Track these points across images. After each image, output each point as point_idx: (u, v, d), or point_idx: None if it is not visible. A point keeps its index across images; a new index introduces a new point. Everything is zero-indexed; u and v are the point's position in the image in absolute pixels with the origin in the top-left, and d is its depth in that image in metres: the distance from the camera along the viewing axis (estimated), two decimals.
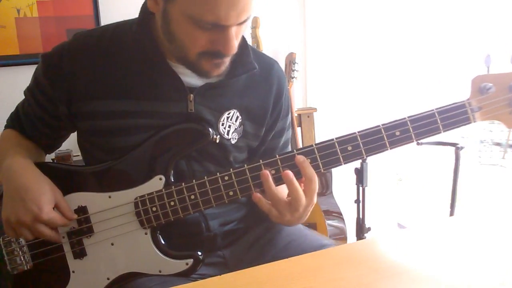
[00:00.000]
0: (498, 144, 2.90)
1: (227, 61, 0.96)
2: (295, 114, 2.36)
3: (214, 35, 0.89)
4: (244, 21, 0.90)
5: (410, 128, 0.93)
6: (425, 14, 2.54)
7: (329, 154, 0.94)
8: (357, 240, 2.03)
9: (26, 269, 1.04)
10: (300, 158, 0.93)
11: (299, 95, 2.59)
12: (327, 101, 2.57)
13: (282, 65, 2.36)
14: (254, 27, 2.32)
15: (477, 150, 2.77)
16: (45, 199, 0.97)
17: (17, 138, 1.11)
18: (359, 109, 2.54)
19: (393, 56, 2.61)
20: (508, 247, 0.83)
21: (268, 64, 1.13)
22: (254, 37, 2.33)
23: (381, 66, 2.61)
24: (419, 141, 1.91)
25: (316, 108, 2.52)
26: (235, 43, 0.91)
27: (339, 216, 2.38)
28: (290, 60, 2.32)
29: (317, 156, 0.94)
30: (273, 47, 2.46)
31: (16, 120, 1.13)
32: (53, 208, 0.99)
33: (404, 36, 2.58)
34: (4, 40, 2.08)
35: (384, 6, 2.57)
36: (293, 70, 2.31)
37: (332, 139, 0.94)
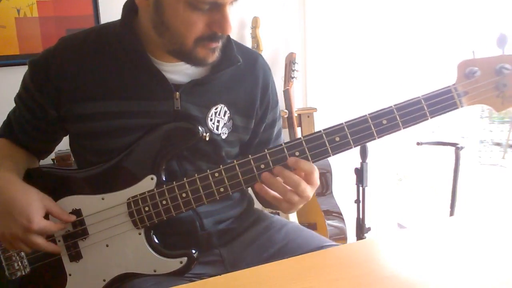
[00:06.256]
0: (498, 144, 2.89)
1: (219, 46, 0.97)
2: (295, 114, 2.35)
3: (211, 16, 0.91)
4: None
5: (397, 116, 0.93)
6: (425, 14, 2.54)
7: (317, 146, 0.94)
8: (357, 240, 2.03)
9: (24, 274, 1.04)
10: (292, 159, 0.94)
11: (299, 95, 2.59)
12: (327, 101, 2.57)
13: (282, 65, 2.36)
14: (254, 27, 2.32)
15: (477, 150, 2.76)
16: (33, 209, 0.96)
17: (6, 148, 1.10)
18: (359, 109, 2.53)
19: (393, 55, 2.61)
20: (508, 247, 0.83)
21: (252, 57, 1.14)
22: (254, 37, 2.32)
23: (381, 65, 2.61)
24: (419, 141, 1.92)
25: (316, 108, 2.52)
26: (231, 23, 0.93)
27: (339, 216, 2.38)
28: (290, 60, 2.31)
29: (305, 149, 0.94)
30: (273, 47, 2.46)
31: (7, 128, 1.12)
32: (48, 216, 0.99)
33: (403, 35, 2.58)
34: (4, 40, 2.08)
35: (382, 6, 2.57)
36: (293, 70, 2.30)
37: (320, 131, 0.95)
